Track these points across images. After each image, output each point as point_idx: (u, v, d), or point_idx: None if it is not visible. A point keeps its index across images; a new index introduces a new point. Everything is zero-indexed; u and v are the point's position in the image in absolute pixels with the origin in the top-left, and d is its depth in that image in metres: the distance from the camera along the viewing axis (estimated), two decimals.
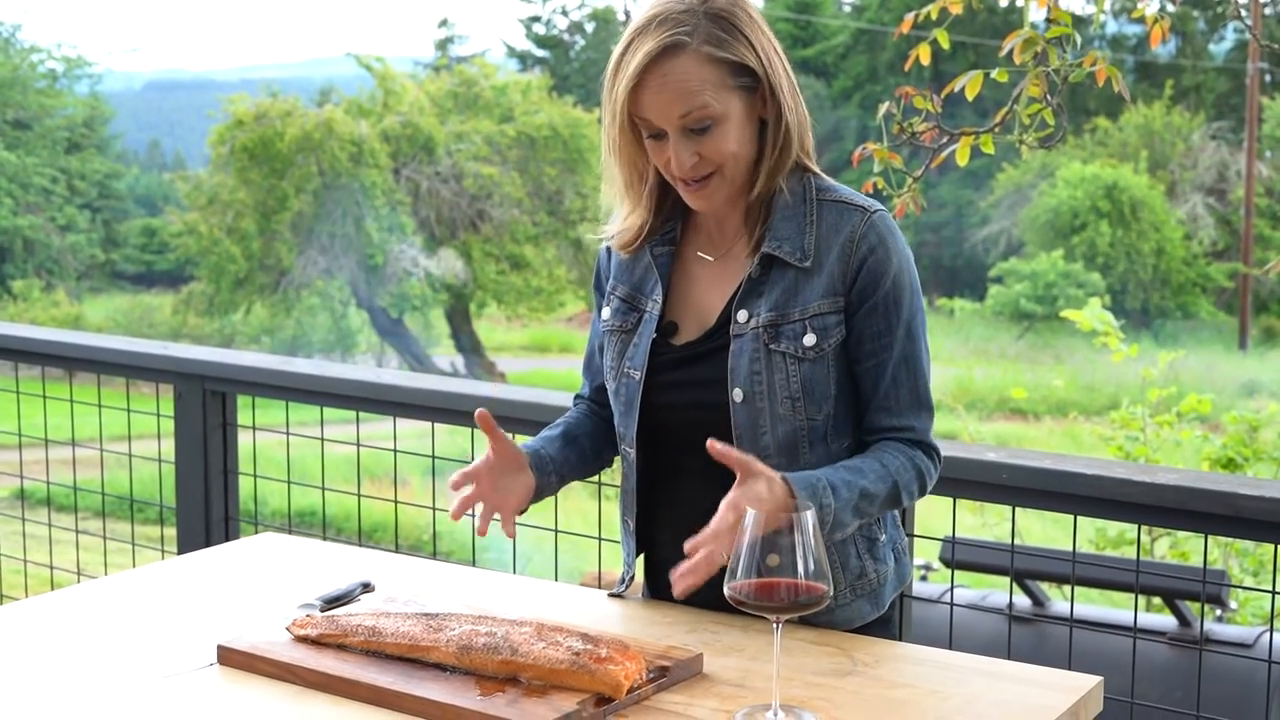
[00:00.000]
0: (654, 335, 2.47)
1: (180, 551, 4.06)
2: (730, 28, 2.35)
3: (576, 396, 2.77)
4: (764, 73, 2.37)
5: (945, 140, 3.49)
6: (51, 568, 4.59)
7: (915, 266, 2.45)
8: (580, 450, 2.61)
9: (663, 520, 2.55)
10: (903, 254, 2.40)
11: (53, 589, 4.25)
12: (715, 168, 2.37)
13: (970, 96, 3.37)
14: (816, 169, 2.47)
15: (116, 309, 31.07)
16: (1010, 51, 3.36)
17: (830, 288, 2.37)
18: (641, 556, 2.62)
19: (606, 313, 2.56)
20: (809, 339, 2.37)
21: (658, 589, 2.58)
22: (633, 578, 2.61)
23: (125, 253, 37.48)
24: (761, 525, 1.95)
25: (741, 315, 2.40)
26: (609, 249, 2.61)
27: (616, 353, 2.53)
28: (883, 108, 3.39)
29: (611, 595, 2.59)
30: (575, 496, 3.69)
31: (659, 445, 2.50)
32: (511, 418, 3.51)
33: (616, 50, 2.39)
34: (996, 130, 3.49)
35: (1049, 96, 3.37)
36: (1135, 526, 3.10)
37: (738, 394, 2.39)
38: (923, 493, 2.45)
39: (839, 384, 2.41)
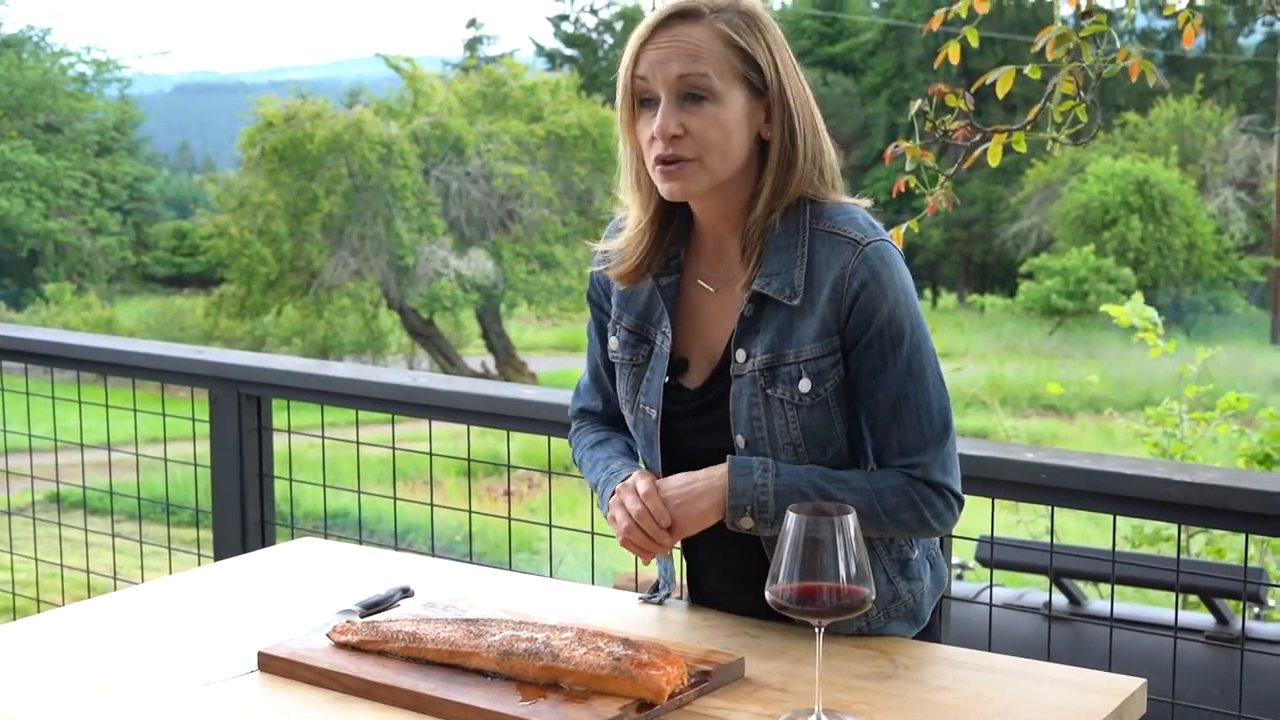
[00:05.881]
0: (665, 377, 2.42)
1: (216, 555, 4.07)
2: (753, 24, 2.30)
3: (585, 412, 2.67)
4: (775, 80, 2.30)
5: (978, 138, 3.47)
6: (88, 572, 4.60)
7: (915, 298, 2.34)
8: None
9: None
10: (899, 288, 2.30)
11: (89, 593, 4.27)
12: (696, 154, 2.29)
13: (1001, 94, 3.36)
14: (831, 195, 2.36)
15: (148, 311, 31.19)
16: (1043, 48, 3.34)
17: (823, 329, 2.29)
18: (682, 565, 2.61)
19: (614, 343, 2.50)
20: (804, 385, 2.30)
21: (697, 595, 2.57)
22: (669, 594, 2.57)
23: (156, 255, 37.66)
24: (801, 528, 1.94)
25: (740, 355, 2.34)
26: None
27: (630, 386, 2.47)
28: (914, 105, 3.37)
29: (646, 601, 2.57)
30: None
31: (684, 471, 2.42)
32: (547, 420, 3.50)
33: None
34: (1029, 128, 3.47)
35: (1082, 93, 3.36)
36: (1173, 525, 3.08)
37: (740, 440, 2.35)
38: (923, 526, 2.34)
39: (845, 421, 2.35)
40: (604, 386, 2.61)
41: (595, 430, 2.63)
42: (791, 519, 1.95)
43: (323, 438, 3.99)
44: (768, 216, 2.34)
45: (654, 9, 2.35)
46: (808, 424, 2.32)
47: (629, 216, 2.45)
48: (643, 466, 2.52)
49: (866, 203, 2.41)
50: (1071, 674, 2.22)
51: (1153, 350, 6.54)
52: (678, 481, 2.34)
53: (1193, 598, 5.58)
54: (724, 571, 2.48)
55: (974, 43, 3.48)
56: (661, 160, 2.30)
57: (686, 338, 2.44)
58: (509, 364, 27.46)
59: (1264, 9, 3.70)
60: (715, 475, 2.32)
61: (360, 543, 3.52)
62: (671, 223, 2.43)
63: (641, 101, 2.33)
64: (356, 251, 26.03)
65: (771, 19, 2.34)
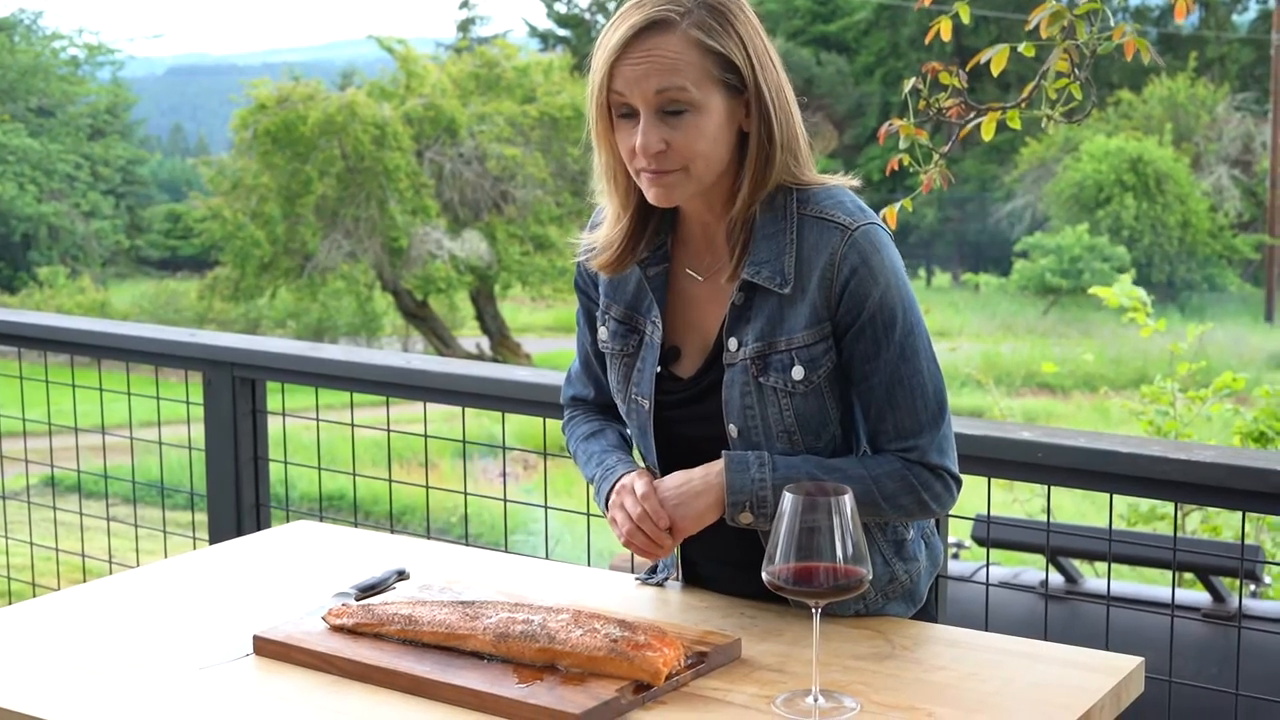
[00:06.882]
0: (657, 367, 2.41)
1: (211, 538, 4.07)
2: (724, 20, 2.25)
3: (577, 400, 2.67)
4: (751, 76, 2.27)
5: (972, 116, 3.46)
6: (83, 556, 4.59)
7: (906, 280, 2.33)
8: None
9: None
10: (889, 271, 2.29)
11: (85, 577, 4.26)
12: (682, 164, 2.26)
13: (996, 72, 3.35)
14: (809, 177, 2.34)
15: (142, 295, 31.14)
16: (1037, 25, 3.32)
17: (814, 315, 2.28)
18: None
19: (603, 333, 2.49)
20: (797, 372, 2.29)
21: (693, 577, 2.57)
22: (666, 576, 2.57)
23: (150, 238, 37.62)
24: (797, 508, 1.94)
25: (732, 343, 2.33)
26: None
27: (621, 376, 2.46)
28: (908, 83, 3.37)
29: (643, 582, 2.57)
30: None
31: (679, 460, 2.42)
32: (542, 401, 3.50)
33: (605, 28, 2.30)
34: (1023, 105, 3.47)
35: (1076, 70, 3.35)
36: (1169, 503, 3.08)
37: (732, 429, 2.34)
38: (922, 509, 2.34)
39: (839, 407, 2.35)
40: (595, 374, 2.60)
41: (589, 420, 2.62)
42: (788, 500, 1.95)
43: (317, 420, 3.99)
44: (748, 209, 2.33)
45: (619, 10, 2.32)
46: (802, 411, 2.32)
47: (608, 210, 2.44)
48: (638, 458, 2.51)
49: (855, 182, 2.39)
50: (1068, 653, 2.22)
51: (1143, 330, 6.54)
52: (674, 481, 2.34)
53: (1189, 576, 5.58)
54: (721, 558, 2.47)
55: (966, 19, 3.47)
56: (647, 171, 2.29)
57: (678, 327, 2.43)
58: (503, 345, 27.44)
59: None
60: (712, 473, 2.31)
61: (355, 525, 3.52)
62: (652, 215, 2.41)
63: (619, 113, 2.30)
64: (350, 234, 25.97)
65: (739, 3, 2.30)
